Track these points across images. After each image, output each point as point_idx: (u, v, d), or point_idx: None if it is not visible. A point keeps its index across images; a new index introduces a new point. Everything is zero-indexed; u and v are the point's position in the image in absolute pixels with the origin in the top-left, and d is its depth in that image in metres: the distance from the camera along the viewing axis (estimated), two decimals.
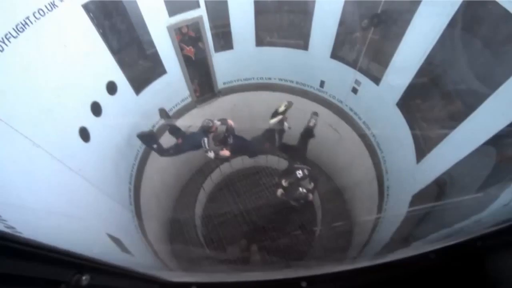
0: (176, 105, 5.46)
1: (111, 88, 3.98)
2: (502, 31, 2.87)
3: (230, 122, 4.55)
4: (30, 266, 0.85)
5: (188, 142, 4.55)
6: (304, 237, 6.43)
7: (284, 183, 4.34)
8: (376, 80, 4.42)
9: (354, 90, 4.91)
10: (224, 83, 5.81)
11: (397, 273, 1.21)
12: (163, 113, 4.73)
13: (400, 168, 4.39)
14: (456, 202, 3.04)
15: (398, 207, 4.17)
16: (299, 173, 4.24)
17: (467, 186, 3.22)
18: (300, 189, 4.12)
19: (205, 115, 5.44)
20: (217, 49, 5.20)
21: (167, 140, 4.85)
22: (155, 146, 4.59)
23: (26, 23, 2.60)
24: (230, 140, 4.43)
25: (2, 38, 2.39)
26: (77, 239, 2.32)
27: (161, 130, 5.21)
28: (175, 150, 4.61)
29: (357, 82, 4.78)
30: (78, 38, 3.31)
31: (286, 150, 5.02)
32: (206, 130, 4.38)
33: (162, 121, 5.24)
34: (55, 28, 2.95)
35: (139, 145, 4.89)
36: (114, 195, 3.95)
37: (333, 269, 1.24)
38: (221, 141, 4.39)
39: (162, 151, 4.63)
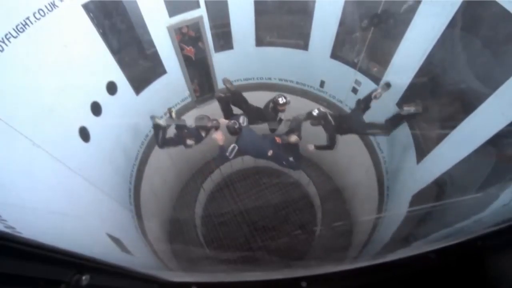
0: (176, 105, 5.46)
1: (111, 88, 3.99)
2: (502, 31, 2.87)
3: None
4: (30, 266, 0.85)
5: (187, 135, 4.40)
6: (304, 237, 6.43)
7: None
8: (376, 80, 4.42)
9: (354, 90, 4.91)
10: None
11: (397, 273, 1.21)
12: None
13: (400, 168, 4.39)
14: (456, 202, 3.04)
15: (398, 207, 4.18)
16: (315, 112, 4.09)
17: (467, 186, 3.22)
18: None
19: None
20: (217, 49, 5.20)
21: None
22: (160, 136, 4.47)
23: (26, 23, 2.60)
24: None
25: (2, 38, 2.39)
26: (77, 239, 2.31)
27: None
28: (175, 142, 4.50)
29: (357, 82, 4.78)
30: (78, 38, 3.31)
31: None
32: (202, 128, 4.11)
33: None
34: (55, 28, 2.95)
35: (139, 145, 4.90)
36: (114, 195, 3.95)
37: (333, 269, 1.24)
38: (235, 132, 3.85)
39: (164, 143, 4.52)
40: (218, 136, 3.87)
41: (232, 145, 3.82)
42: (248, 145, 3.94)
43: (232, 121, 3.78)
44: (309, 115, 4.14)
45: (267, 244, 6.22)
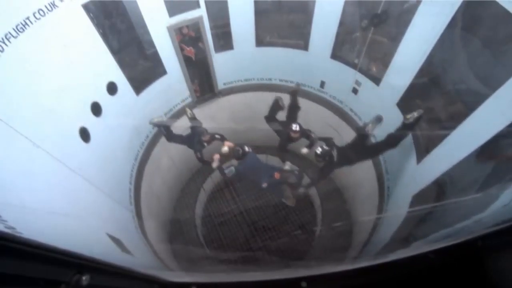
0: (176, 106, 5.46)
1: (111, 88, 3.99)
2: (502, 31, 2.87)
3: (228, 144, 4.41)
4: (30, 266, 0.85)
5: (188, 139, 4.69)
6: (304, 237, 6.42)
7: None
8: (376, 80, 4.42)
9: (355, 91, 4.91)
10: (224, 84, 5.81)
11: (397, 273, 1.21)
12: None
13: (400, 168, 4.39)
14: (456, 202, 3.04)
15: (398, 207, 4.17)
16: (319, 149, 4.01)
17: (467, 186, 3.22)
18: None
19: (205, 116, 5.47)
20: (217, 49, 5.20)
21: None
22: (165, 132, 4.75)
23: (26, 23, 2.60)
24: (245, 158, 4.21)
25: (2, 38, 2.39)
26: (77, 239, 2.31)
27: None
28: (181, 141, 4.78)
29: (357, 82, 4.78)
30: (78, 38, 3.32)
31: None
32: (200, 140, 4.42)
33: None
34: (55, 28, 2.95)
35: (139, 145, 4.90)
36: (114, 195, 3.95)
37: (333, 269, 1.24)
38: (238, 157, 4.21)
39: (170, 137, 4.77)
40: (215, 157, 4.30)
41: (231, 167, 4.21)
42: (247, 172, 4.29)
43: (237, 148, 4.15)
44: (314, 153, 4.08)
45: (267, 244, 6.22)
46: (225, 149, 4.35)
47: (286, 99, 4.82)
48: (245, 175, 4.37)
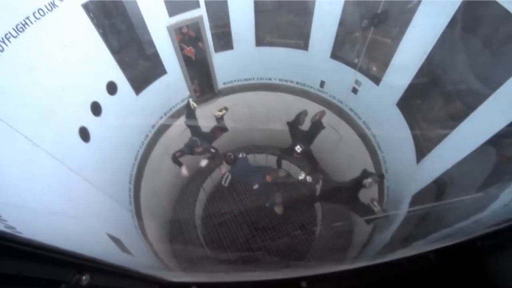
0: (176, 105, 5.46)
1: (111, 88, 3.99)
2: (502, 31, 2.87)
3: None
4: (30, 266, 0.85)
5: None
6: (304, 237, 6.42)
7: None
8: (376, 80, 4.42)
9: (354, 90, 4.91)
10: (224, 83, 5.81)
11: (397, 273, 1.21)
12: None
13: (400, 168, 4.39)
14: (456, 202, 3.04)
15: (398, 207, 4.17)
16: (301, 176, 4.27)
17: (467, 186, 3.22)
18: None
19: (205, 115, 5.47)
20: (217, 49, 5.20)
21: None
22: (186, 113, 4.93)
23: (26, 23, 2.60)
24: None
25: (2, 38, 2.39)
26: (77, 239, 2.32)
27: (161, 130, 5.24)
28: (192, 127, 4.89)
29: (357, 82, 4.78)
30: (78, 38, 3.31)
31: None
32: (192, 148, 4.52)
33: (161, 121, 5.26)
34: (55, 28, 2.95)
35: (139, 145, 4.90)
36: (114, 195, 3.95)
37: (333, 269, 1.24)
38: (230, 162, 4.52)
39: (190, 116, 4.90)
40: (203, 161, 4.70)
41: (226, 174, 4.69)
42: (240, 174, 4.73)
43: (228, 154, 4.53)
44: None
45: (267, 244, 6.22)
46: (203, 163, 4.70)
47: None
48: (239, 178, 4.74)
